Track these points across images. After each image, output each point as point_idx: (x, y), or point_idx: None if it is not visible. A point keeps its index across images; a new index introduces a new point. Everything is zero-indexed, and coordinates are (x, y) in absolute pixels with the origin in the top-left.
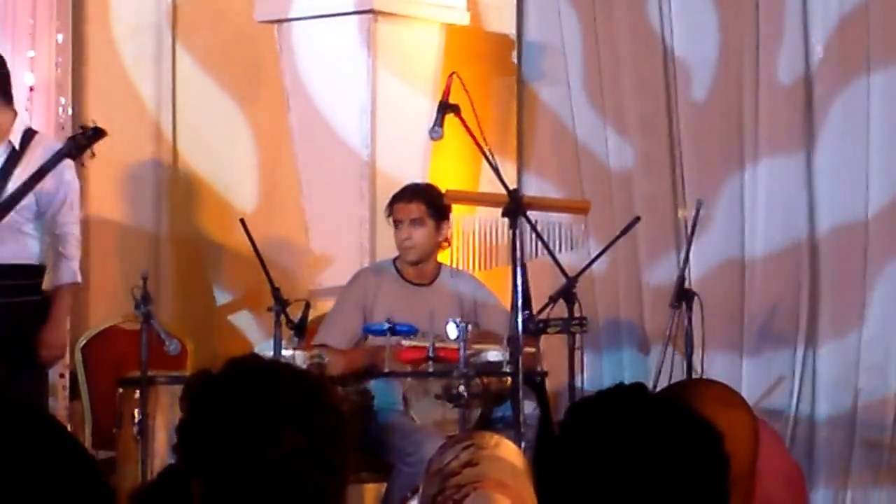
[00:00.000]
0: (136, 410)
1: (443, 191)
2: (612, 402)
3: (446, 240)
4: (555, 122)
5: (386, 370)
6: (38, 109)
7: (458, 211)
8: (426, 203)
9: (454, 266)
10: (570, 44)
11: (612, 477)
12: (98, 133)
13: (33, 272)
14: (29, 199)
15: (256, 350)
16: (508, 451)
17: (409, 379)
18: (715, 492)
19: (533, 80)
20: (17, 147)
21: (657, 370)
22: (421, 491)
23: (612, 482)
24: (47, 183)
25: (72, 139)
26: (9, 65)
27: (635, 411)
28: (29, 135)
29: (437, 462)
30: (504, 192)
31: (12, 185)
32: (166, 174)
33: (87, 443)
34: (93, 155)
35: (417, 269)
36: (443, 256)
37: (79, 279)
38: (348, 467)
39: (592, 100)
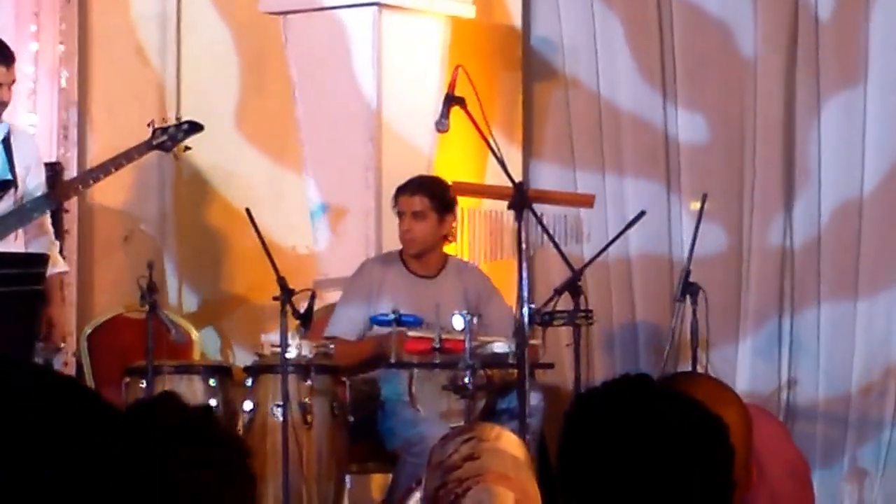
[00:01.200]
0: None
1: (449, 183)
2: (618, 394)
3: (451, 233)
4: (560, 114)
5: (392, 360)
6: (43, 99)
7: (464, 203)
8: (429, 196)
9: (461, 258)
10: (576, 35)
11: (618, 468)
12: (195, 127)
13: (36, 260)
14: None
15: (262, 340)
16: (510, 443)
17: (415, 369)
18: (721, 483)
19: (539, 72)
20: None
21: (663, 363)
22: (423, 484)
23: (619, 473)
24: (28, 163)
25: (162, 130)
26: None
27: (641, 402)
28: None
29: (438, 455)
30: (510, 184)
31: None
32: (171, 164)
33: None
34: (187, 148)
35: (422, 262)
36: (449, 248)
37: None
38: (251, 485)
39: (597, 92)
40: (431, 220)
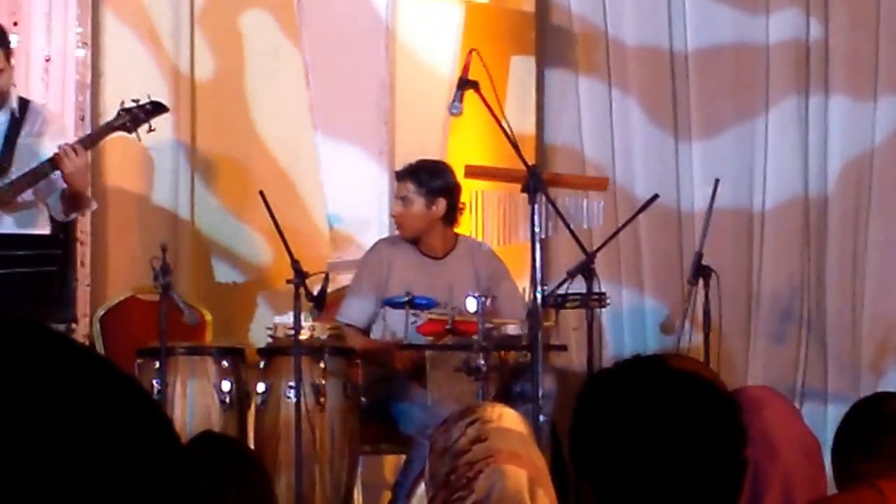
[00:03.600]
0: (154, 381)
1: (458, 166)
2: (630, 374)
3: (449, 216)
4: (572, 99)
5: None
6: (55, 83)
7: (477, 186)
8: (414, 182)
9: (474, 239)
10: (588, 21)
11: (630, 448)
12: (158, 108)
13: (49, 242)
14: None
15: (276, 322)
16: (513, 421)
17: (428, 351)
18: (732, 462)
19: (552, 56)
20: (17, 114)
21: (676, 345)
22: (429, 471)
23: (631, 453)
24: (50, 150)
25: (126, 111)
26: (27, 41)
27: (653, 383)
28: (23, 102)
29: (442, 441)
30: (523, 168)
31: (18, 153)
32: (185, 146)
33: None
34: (151, 129)
35: (425, 244)
36: (464, 230)
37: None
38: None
39: (608, 76)
40: (418, 206)
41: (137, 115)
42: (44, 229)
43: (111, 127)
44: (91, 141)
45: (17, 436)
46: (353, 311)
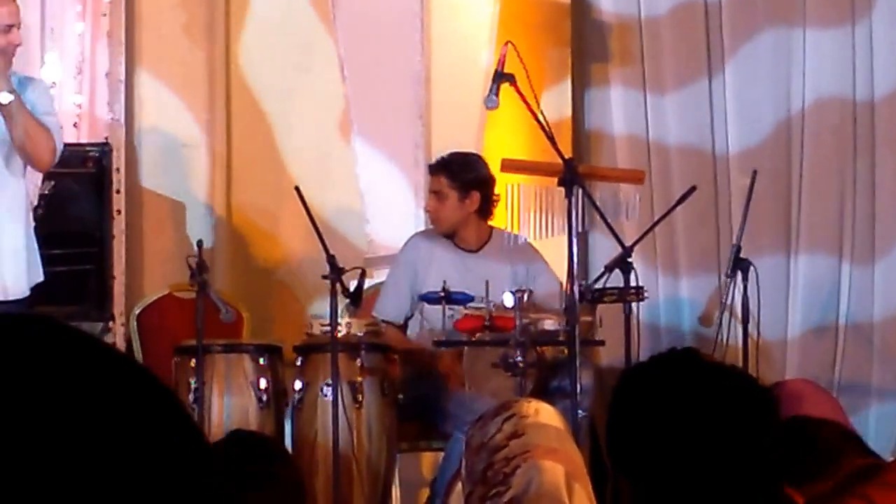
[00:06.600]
0: (191, 379)
1: (494, 160)
2: (666, 367)
3: (484, 209)
4: (604, 93)
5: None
6: (89, 79)
7: (513, 179)
8: (447, 176)
9: (509, 232)
10: (624, 13)
11: (668, 442)
12: None
13: (86, 240)
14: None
15: (312, 319)
16: (550, 416)
17: (465, 347)
18: (770, 454)
19: (588, 47)
20: None
21: (714, 339)
22: (466, 467)
23: (669, 447)
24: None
25: None
26: (60, 39)
27: (689, 376)
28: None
29: (478, 436)
30: (560, 161)
31: None
32: (220, 143)
33: None
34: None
35: (460, 237)
36: (500, 224)
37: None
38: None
39: (642, 69)
40: (452, 200)
41: None
42: None
43: None
44: None
45: (36, 436)
46: (389, 308)
